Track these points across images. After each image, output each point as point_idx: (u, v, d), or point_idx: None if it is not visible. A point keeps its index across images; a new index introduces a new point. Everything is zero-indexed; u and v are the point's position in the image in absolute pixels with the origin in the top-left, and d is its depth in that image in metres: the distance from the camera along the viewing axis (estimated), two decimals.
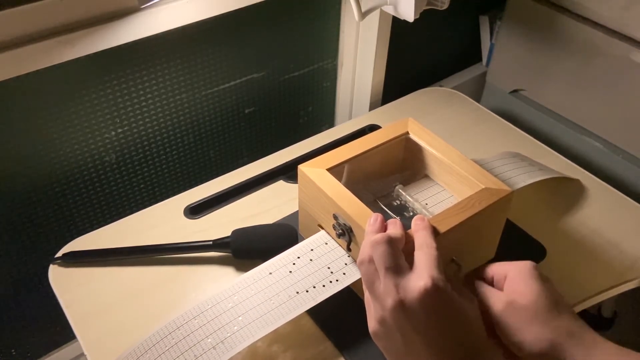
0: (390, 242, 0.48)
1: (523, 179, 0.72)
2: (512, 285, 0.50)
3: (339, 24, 0.93)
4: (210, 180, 0.79)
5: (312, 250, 0.59)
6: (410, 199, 0.65)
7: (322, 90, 1.01)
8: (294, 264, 0.58)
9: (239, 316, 0.53)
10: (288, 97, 0.96)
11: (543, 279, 0.49)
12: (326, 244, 0.60)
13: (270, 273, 0.57)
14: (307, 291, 0.55)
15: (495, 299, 0.49)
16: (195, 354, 0.51)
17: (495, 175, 0.69)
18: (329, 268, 0.57)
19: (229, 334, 0.52)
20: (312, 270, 0.57)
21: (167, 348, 0.52)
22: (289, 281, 0.56)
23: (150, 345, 0.53)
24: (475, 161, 0.68)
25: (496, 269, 0.52)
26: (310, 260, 0.58)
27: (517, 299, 0.48)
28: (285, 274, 0.57)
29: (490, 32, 1.19)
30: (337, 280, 0.56)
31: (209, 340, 0.52)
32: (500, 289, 0.51)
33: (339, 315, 0.61)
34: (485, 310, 0.49)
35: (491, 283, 0.52)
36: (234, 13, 0.77)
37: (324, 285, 0.56)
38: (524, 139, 0.88)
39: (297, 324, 0.61)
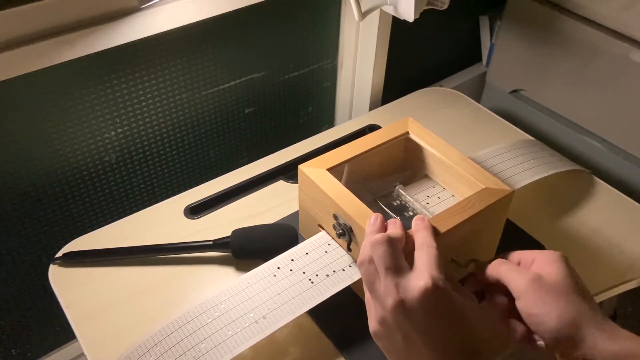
0: (390, 242, 0.48)
1: (528, 175, 0.72)
2: (540, 266, 0.50)
3: (339, 24, 0.93)
4: (210, 180, 0.79)
5: (312, 250, 0.59)
6: (410, 199, 0.65)
7: (322, 90, 1.01)
8: (268, 281, 0.57)
9: (199, 343, 0.52)
10: (288, 97, 0.96)
11: (571, 266, 0.50)
12: (326, 244, 0.60)
13: (228, 297, 0.56)
14: (306, 291, 0.55)
15: (522, 275, 0.49)
16: (197, 353, 0.51)
17: (497, 173, 0.70)
18: (328, 268, 0.57)
19: (199, 357, 0.51)
20: (312, 271, 0.57)
21: (169, 347, 0.52)
22: (289, 282, 0.56)
23: (152, 344, 0.53)
24: (476, 159, 0.69)
25: (523, 254, 0.52)
26: (310, 260, 0.58)
27: (544, 276, 0.48)
28: (284, 274, 0.57)
29: (490, 32, 1.19)
30: (337, 281, 0.56)
31: (185, 357, 0.51)
32: None
33: (339, 315, 0.61)
34: (510, 285, 0.49)
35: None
36: (234, 13, 0.77)
37: (323, 286, 0.56)
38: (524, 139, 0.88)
39: (297, 324, 0.61)
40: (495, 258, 0.53)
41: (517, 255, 0.53)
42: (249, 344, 0.51)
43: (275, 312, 0.53)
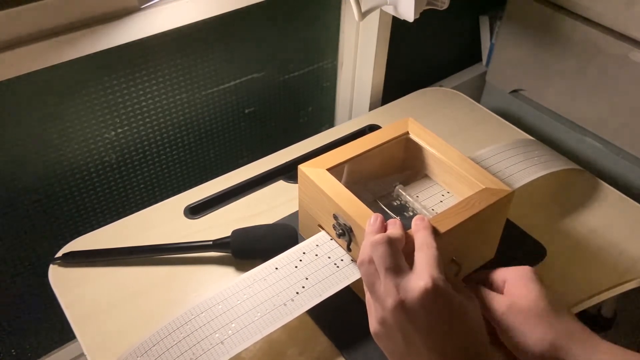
0: (390, 242, 0.48)
1: (527, 174, 0.72)
2: (512, 289, 0.50)
3: (339, 24, 0.93)
4: (210, 180, 0.79)
5: (303, 254, 0.59)
6: (410, 199, 0.65)
7: (322, 90, 1.01)
8: (295, 265, 0.58)
9: (229, 323, 0.53)
10: (288, 97, 0.96)
11: (541, 282, 0.50)
12: (318, 247, 0.60)
13: (255, 280, 0.56)
14: (307, 291, 0.55)
15: (497, 302, 0.49)
16: (197, 352, 0.51)
17: (496, 172, 0.70)
18: (320, 273, 0.57)
19: (229, 335, 0.52)
20: (312, 271, 0.57)
21: (170, 346, 0.52)
22: (289, 281, 0.56)
23: (153, 343, 0.53)
24: (475, 158, 0.69)
25: (495, 275, 0.53)
26: (310, 260, 0.58)
27: (518, 301, 0.48)
28: (284, 274, 0.57)
29: (490, 32, 1.19)
30: (337, 281, 0.56)
31: (217, 335, 0.52)
32: (500, 293, 0.51)
33: (339, 315, 0.61)
34: (486, 313, 0.50)
35: (490, 288, 0.52)
36: (234, 13, 0.77)
37: (349, 270, 0.56)
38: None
39: (298, 324, 0.61)
40: (468, 279, 0.54)
41: (489, 275, 0.53)
42: (277, 325, 0.52)
43: (303, 294, 0.54)
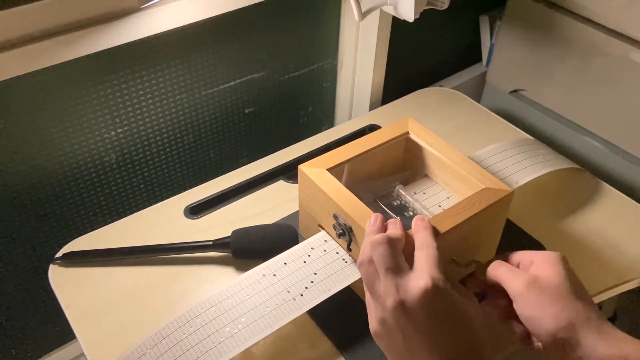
0: (390, 242, 0.48)
1: (526, 173, 0.72)
2: (538, 268, 0.50)
3: (339, 24, 0.93)
4: (210, 180, 0.79)
5: (312, 249, 0.59)
6: (410, 199, 0.65)
7: (322, 90, 1.01)
8: (303, 260, 0.58)
9: (239, 317, 0.53)
10: (288, 97, 0.96)
11: (569, 268, 0.50)
12: (326, 243, 0.60)
13: (264, 275, 0.57)
14: (315, 286, 0.55)
15: (519, 277, 0.49)
16: (207, 345, 0.52)
17: (496, 172, 0.70)
18: (329, 268, 0.57)
19: (240, 329, 0.52)
20: (320, 266, 0.57)
21: (180, 339, 0.52)
22: (298, 276, 0.56)
23: (163, 336, 0.53)
24: (475, 158, 0.69)
25: (523, 255, 0.53)
26: (319, 255, 0.58)
27: (542, 279, 0.48)
28: (293, 269, 0.57)
29: (490, 32, 1.19)
30: (345, 276, 0.57)
31: (227, 329, 0.52)
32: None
33: (339, 315, 0.61)
34: (507, 286, 0.50)
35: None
36: (234, 13, 0.77)
37: (332, 281, 0.56)
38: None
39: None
40: (495, 259, 0.53)
41: (516, 256, 0.53)
42: (287, 320, 0.53)
43: (312, 289, 0.55)
